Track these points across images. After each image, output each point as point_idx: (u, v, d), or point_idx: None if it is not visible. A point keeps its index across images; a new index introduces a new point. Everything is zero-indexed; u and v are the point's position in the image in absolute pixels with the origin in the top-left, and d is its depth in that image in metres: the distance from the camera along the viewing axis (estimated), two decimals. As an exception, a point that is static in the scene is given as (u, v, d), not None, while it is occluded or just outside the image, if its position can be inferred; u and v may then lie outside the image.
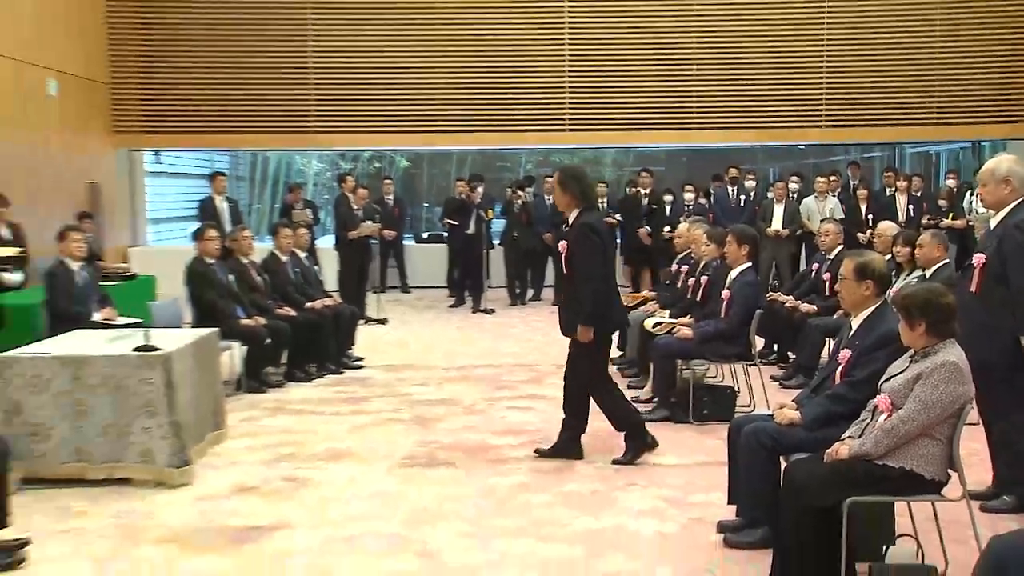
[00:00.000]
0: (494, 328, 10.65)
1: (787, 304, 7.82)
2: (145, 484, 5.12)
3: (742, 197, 11.92)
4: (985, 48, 12.96)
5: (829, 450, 3.75)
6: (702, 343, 6.47)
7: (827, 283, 7.51)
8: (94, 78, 12.49)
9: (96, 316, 6.95)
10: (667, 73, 13.23)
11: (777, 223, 11.18)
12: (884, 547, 3.69)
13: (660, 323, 7.08)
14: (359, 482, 5.27)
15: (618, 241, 12.64)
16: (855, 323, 4.22)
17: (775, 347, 8.26)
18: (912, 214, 11.40)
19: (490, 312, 11.61)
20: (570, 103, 13.33)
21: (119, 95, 13.04)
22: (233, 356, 7.46)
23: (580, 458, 5.57)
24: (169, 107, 13.12)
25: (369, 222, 10.95)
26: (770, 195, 11.68)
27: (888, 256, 6.90)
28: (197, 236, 7.64)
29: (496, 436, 6.15)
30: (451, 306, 12.23)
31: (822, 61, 13.16)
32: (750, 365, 6.70)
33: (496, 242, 12.47)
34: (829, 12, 13.02)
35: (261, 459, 5.70)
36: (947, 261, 6.42)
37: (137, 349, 5.23)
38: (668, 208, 12.10)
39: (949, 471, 3.67)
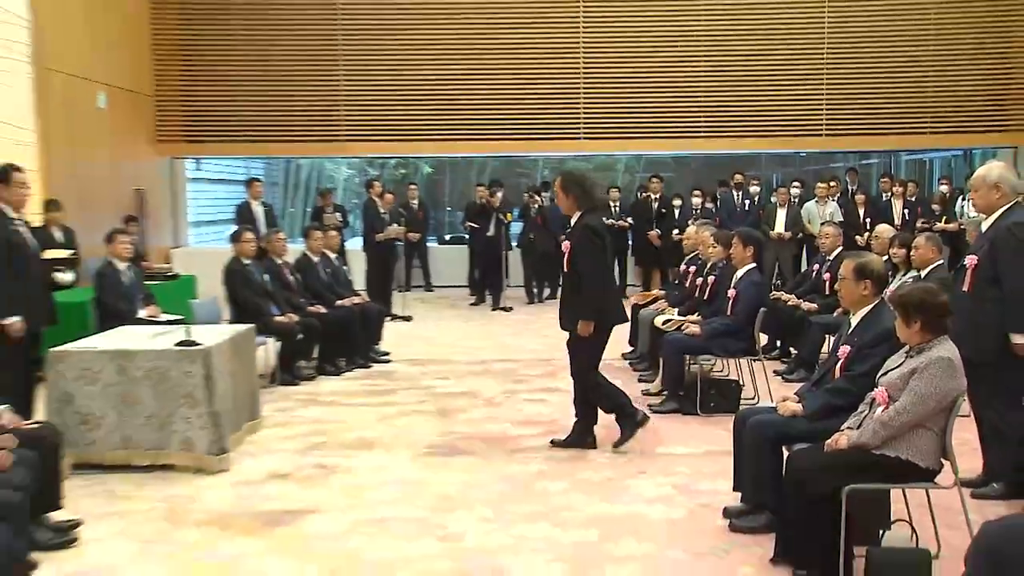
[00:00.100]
0: (512, 325, 10.64)
1: (789, 303, 7.81)
2: (187, 470, 5.16)
3: (747, 201, 11.89)
4: (977, 62, 12.95)
5: (829, 440, 3.75)
6: (709, 339, 6.46)
7: (827, 283, 7.48)
8: (140, 91, 12.57)
9: (141, 313, 7.00)
10: (676, 85, 13.21)
11: (780, 226, 11.19)
12: (881, 532, 3.67)
13: (669, 320, 7.08)
14: (386, 469, 5.28)
15: (630, 243, 12.73)
16: (854, 320, 4.21)
17: (778, 343, 8.22)
18: (907, 218, 11.39)
19: (509, 310, 11.61)
20: (584, 113, 13.32)
21: (163, 107, 13.14)
22: (268, 351, 7.50)
23: (594, 447, 5.57)
24: (209, 118, 13.22)
25: (395, 225, 10.97)
26: (773, 200, 11.67)
27: (885, 257, 6.85)
28: (234, 238, 7.68)
29: (514, 427, 6.15)
30: (472, 304, 12.24)
31: (822, 74, 13.11)
32: (754, 360, 6.67)
33: (514, 244, 12.48)
34: (829, 30, 13.02)
35: (294, 447, 5.73)
36: (941, 262, 6.37)
37: (179, 344, 5.26)
38: (677, 212, 12.10)
39: (942, 460, 3.67)
